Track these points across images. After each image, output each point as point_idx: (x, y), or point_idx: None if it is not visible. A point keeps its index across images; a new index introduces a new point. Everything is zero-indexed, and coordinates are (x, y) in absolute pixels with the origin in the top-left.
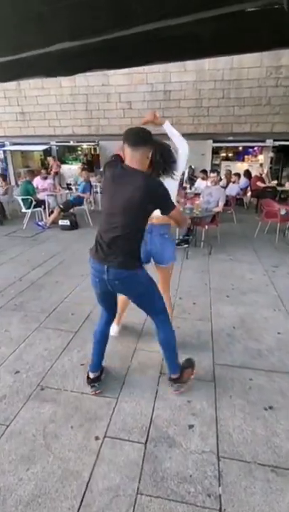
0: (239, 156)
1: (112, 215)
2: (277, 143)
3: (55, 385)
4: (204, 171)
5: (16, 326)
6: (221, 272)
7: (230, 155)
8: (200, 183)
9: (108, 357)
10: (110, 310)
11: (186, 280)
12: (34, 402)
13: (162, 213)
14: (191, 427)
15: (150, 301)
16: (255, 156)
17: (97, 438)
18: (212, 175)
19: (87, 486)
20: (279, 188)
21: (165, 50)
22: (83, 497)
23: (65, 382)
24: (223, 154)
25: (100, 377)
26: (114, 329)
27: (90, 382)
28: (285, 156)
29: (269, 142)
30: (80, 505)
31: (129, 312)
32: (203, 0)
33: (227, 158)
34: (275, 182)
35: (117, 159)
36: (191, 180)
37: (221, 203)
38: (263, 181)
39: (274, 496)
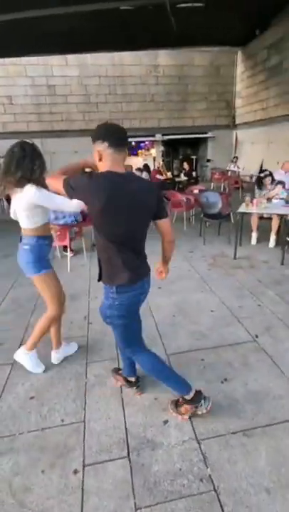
0: (133, 150)
1: (134, 238)
2: (166, 137)
3: (6, 431)
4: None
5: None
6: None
7: None
8: None
9: (60, 381)
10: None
11: None
12: None
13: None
14: (165, 422)
15: None
16: (148, 149)
17: (75, 471)
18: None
19: None
20: (176, 179)
21: (43, 42)
22: None
23: (18, 424)
24: None
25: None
26: (55, 357)
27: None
28: (173, 150)
29: (158, 137)
30: None
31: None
32: None
33: None
34: (169, 174)
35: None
36: None
37: None
38: (161, 174)
39: (252, 457)
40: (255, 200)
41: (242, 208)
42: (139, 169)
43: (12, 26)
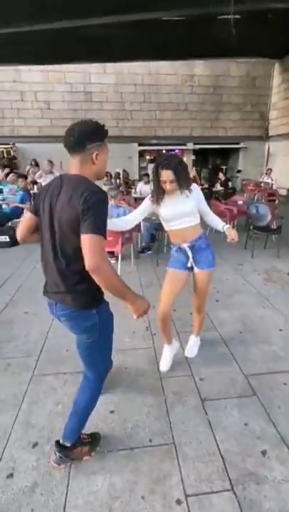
0: None
1: None
2: (198, 146)
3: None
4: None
5: (3, 382)
6: None
7: (154, 157)
8: (142, 187)
9: (137, 395)
10: None
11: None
12: (79, 479)
13: None
14: (264, 453)
15: None
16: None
17: (179, 502)
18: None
19: None
20: (213, 189)
21: (84, 50)
22: None
23: (105, 440)
24: (148, 157)
25: None
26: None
27: None
28: (202, 159)
29: (190, 145)
30: None
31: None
32: (122, 3)
33: (152, 161)
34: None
35: None
36: (126, 184)
37: None
38: (196, 183)
39: None
40: None
41: None
42: None
43: (55, 34)
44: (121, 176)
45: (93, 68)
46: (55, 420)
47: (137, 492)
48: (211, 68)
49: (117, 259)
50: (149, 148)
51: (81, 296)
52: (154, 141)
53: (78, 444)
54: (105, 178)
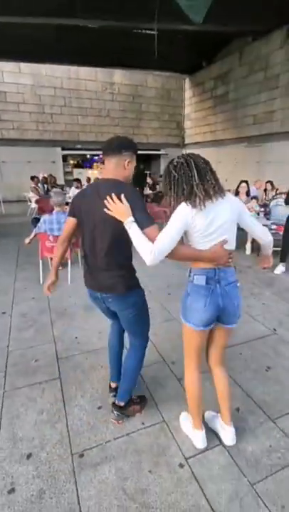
0: (86, 163)
1: None
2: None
3: (92, 443)
4: (77, 180)
5: None
6: (150, 273)
7: (78, 162)
8: (75, 192)
9: None
10: None
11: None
12: (85, 473)
13: None
14: (238, 410)
15: None
16: (103, 163)
17: (181, 465)
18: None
19: (213, 510)
20: (144, 193)
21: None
22: None
23: (99, 434)
24: (72, 162)
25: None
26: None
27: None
28: None
29: None
30: None
31: None
32: (53, 7)
33: (78, 165)
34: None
35: None
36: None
37: None
38: None
39: None
40: None
41: None
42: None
43: None
44: (48, 180)
45: (7, 67)
46: (44, 428)
47: (143, 468)
48: (129, 78)
49: (63, 266)
50: (73, 153)
51: (123, 281)
52: (78, 146)
53: (131, 404)
54: (32, 183)
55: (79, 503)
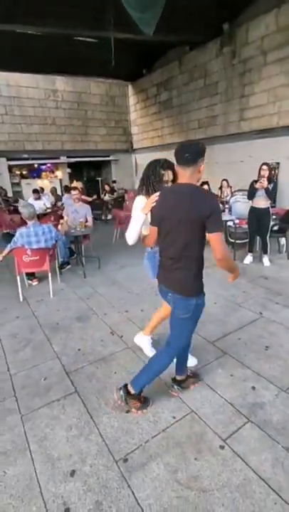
0: (33, 173)
1: None
2: (73, 159)
3: (132, 446)
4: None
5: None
6: (131, 277)
7: (24, 172)
8: (34, 203)
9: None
10: None
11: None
12: (136, 476)
13: None
14: (253, 388)
15: None
16: (52, 172)
17: (221, 447)
18: (73, 192)
19: (268, 484)
20: (105, 199)
21: None
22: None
23: (136, 436)
24: (18, 172)
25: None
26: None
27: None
28: (76, 172)
29: (63, 159)
30: None
31: None
32: None
33: (23, 176)
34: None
35: None
36: (7, 201)
37: (90, 218)
38: (87, 195)
39: None
40: None
41: None
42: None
43: None
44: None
45: None
46: (78, 442)
47: (188, 457)
48: (72, 85)
49: (39, 281)
50: (19, 163)
51: (189, 282)
52: (25, 156)
53: (188, 377)
54: None
55: (139, 504)
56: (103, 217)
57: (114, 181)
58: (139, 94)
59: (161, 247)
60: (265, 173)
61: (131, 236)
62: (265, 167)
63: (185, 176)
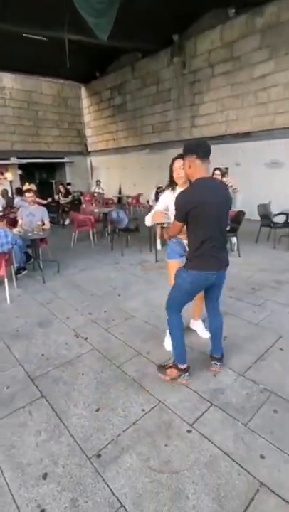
0: None
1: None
2: (24, 161)
3: (104, 441)
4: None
5: None
6: (92, 280)
7: None
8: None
9: (107, 386)
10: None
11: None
12: (109, 469)
13: None
14: (213, 366)
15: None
16: (1, 173)
17: (189, 431)
18: (28, 195)
19: (231, 457)
20: (61, 202)
21: None
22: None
23: (108, 432)
24: None
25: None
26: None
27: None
28: (28, 174)
29: (13, 159)
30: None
31: None
32: None
33: None
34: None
35: None
36: None
37: (47, 220)
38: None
39: None
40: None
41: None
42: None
43: None
44: None
45: None
46: (48, 446)
47: (159, 445)
48: (20, 83)
49: None
50: None
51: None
52: None
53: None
54: None
55: (114, 495)
56: (61, 222)
57: (68, 184)
58: (93, 96)
59: (204, 237)
60: (218, 177)
61: (148, 220)
62: (217, 172)
63: (206, 169)
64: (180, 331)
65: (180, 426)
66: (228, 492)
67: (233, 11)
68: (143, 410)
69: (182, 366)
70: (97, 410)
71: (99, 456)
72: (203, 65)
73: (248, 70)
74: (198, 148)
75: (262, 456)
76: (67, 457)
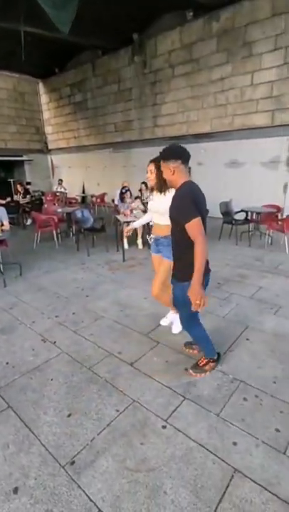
0: None
1: None
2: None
3: (75, 448)
4: None
5: None
6: (57, 282)
7: None
8: None
9: (77, 390)
10: None
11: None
12: (86, 477)
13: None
14: (186, 369)
15: None
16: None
17: (164, 427)
18: None
19: (206, 448)
20: (21, 202)
21: None
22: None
23: (81, 437)
24: None
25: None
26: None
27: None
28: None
29: None
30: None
31: None
32: None
33: None
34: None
35: None
36: None
37: (6, 221)
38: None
39: None
40: (125, 212)
41: (122, 219)
42: None
43: None
44: None
45: None
46: (18, 458)
47: (135, 444)
48: None
49: None
50: None
51: None
52: None
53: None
54: None
55: (92, 500)
56: (22, 222)
57: (28, 183)
58: (52, 93)
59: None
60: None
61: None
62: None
63: (187, 173)
64: (204, 331)
65: (155, 422)
66: (205, 482)
67: (191, 13)
68: (117, 411)
69: (215, 357)
70: (69, 416)
71: (73, 463)
72: (163, 66)
73: (207, 72)
74: (183, 154)
75: (234, 443)
76: (39, 468)
